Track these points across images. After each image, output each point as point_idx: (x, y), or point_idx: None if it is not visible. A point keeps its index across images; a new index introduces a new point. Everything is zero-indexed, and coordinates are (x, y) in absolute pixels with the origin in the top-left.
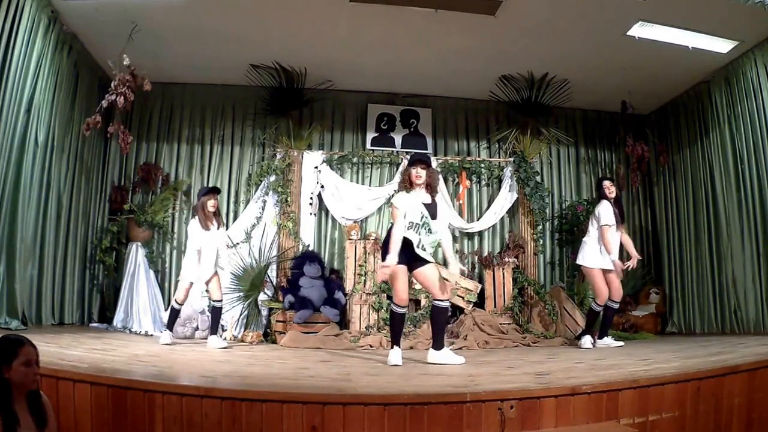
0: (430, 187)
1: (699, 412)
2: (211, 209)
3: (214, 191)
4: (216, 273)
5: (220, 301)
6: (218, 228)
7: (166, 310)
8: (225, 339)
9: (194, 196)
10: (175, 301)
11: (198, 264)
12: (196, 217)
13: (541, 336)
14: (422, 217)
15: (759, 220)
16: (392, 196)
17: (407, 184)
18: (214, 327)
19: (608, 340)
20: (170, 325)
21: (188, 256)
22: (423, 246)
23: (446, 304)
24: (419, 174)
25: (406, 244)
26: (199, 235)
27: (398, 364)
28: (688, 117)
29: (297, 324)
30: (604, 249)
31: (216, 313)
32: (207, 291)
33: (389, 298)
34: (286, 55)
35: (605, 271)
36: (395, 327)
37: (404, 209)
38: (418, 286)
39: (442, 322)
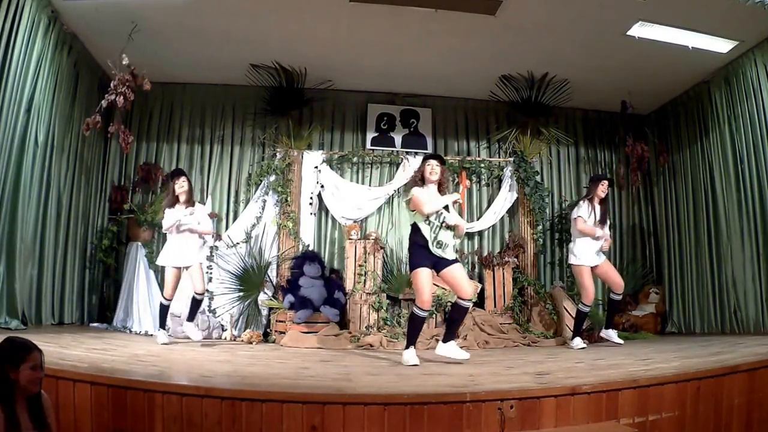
0: (441, 186)
1: (699, 412)
2: (179, 190)
3: (177, 173)
4: (200, 264)
5: (202, 294)
6: (187, 208)
7: None
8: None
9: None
10: (164, 297)
11: (172, 247)
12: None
13: (541, 336)
14: (438, 214)
15: (759, 220)
16: (392, 196)
17: (419, 180)
18: (191, 315)
19: (611, 333)
20: (162, 323)
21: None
22: (439, 243)
23: (469, 304)
24: (434, 170)
25: (423, 243)
26: (169, 215)
27: (417, 364)
28: (688, 117)
29: (297, 324)
30: (588, 245)
31: (194, 303)
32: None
33: (389, 298)
34: (286, 55)
35: (594, 268)
36: (414, 329)
37: (424, 197)
38: None
39: (460, 320)
